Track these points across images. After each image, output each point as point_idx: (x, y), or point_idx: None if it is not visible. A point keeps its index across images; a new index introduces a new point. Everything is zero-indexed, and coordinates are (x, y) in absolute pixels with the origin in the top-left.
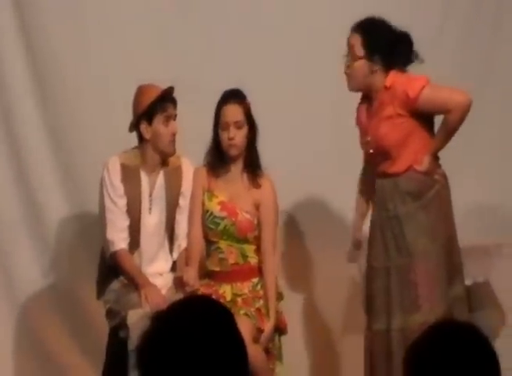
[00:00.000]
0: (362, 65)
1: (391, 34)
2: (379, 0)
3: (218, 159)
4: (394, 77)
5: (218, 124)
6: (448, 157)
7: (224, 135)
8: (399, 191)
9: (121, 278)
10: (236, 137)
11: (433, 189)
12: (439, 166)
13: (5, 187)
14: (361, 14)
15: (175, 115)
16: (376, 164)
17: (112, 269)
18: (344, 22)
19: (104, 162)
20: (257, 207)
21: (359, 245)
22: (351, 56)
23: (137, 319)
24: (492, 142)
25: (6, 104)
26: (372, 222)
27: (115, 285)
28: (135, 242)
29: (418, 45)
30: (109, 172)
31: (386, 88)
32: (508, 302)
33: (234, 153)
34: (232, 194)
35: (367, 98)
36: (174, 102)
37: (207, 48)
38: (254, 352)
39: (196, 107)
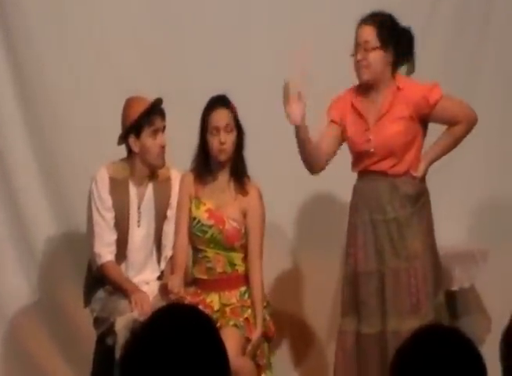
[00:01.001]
0: (378, 55)
1: (398, 26)
2: None
3: (204, 166)
4: (404, 81)
5: (206, 130)
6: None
7: (214, 140)
8: (399, 194)
9: (107, 286)
10: (227, 141)
11: (424, 196)
12: None
13: None
14: (346, 8)
15: (164, 127)
16: (371, 162)
17: (98, 278)
18: (333, 23)
19: (92, 175)
20: (244, 215)
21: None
22: (365, 48)
23: (124, 325)
24: (478, 141)
25: None
26: (357, 225)
27: (101, 294)
28: (122, 254)
29: None
30: (98, 185)
31: (398, 88)
32: (494, 308)
33: (223, 158)
34: (220, 202)
35: (366, 90)
36: (162, 114)
37: (193, 55)
38: (243, 364)
39: (184, 115)
